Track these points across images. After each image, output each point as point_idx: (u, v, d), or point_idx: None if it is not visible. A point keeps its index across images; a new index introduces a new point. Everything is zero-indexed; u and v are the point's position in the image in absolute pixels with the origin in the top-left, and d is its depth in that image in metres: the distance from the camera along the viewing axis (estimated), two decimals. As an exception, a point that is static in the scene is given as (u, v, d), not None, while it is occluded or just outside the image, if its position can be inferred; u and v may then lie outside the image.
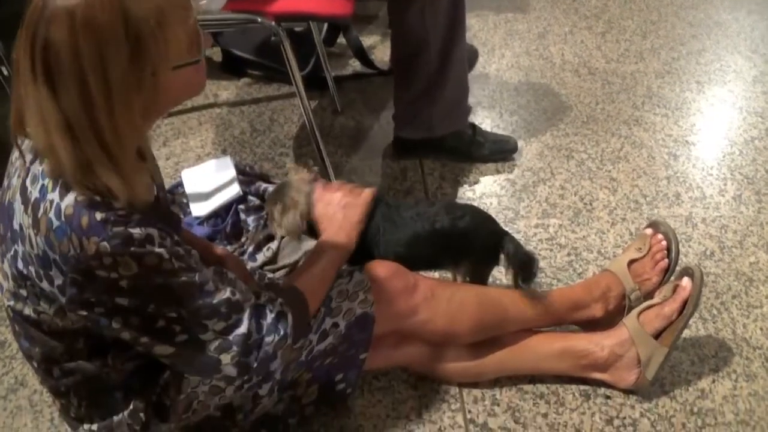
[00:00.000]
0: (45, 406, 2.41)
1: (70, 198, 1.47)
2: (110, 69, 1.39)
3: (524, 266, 2.37)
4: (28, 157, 1.57)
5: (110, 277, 1.49)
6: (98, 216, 1.46)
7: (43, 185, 1.51)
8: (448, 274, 2.61)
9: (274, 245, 2.44)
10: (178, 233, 1.83)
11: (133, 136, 1.50)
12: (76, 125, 1.42)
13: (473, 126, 3.41)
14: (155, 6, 1.43)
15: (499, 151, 3.44)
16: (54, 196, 1.49)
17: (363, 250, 2.23)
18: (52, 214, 1.47)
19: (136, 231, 1.48)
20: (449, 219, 2.32)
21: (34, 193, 1.52)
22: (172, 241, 1.57)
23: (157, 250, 1.52)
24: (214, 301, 1.64)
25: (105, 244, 1.45)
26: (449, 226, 2.31)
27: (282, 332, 1.75)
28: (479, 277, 2.44)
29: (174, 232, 1.63)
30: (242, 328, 1.69)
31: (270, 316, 1.74)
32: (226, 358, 1.69)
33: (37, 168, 1.54)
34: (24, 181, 1.56)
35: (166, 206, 1.98)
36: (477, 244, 2.35)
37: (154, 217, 1.58)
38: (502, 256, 2.37)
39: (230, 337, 1.68)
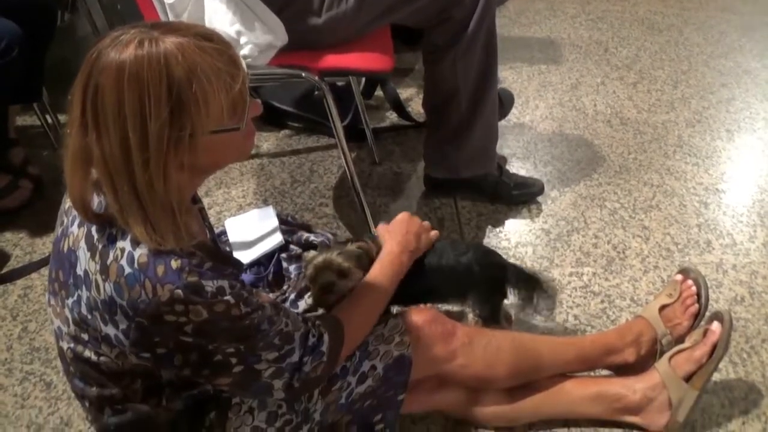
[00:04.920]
0: (92, 448, 2.48)
1: (144, 247, 1.54)
2: (149, 123, 1.45)
3: (531, 282, 2.47)
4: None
5: (178, 321, 1.54)
6: (173, 264, 1.52)
7: (111, 233, 1.58)
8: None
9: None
10: (240, 275, 1.91)
11: (167, 191, 1.54)
12: (114, 171, 1.49)
13: (500, 168, 3.49)
14: (199, 70, 1.49)
15: (526, 194, 3.53)
16: (125, 244, 1.55)
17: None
18: (123, 261, 1.54)
19: (209, 284, 1.55)
20: (453, 255, 2.41)
21: (102, 241, 1.58)
22: (239, 285, 1.63)
23: (226, 298, 1.58)
24: (270, 335, 1.70)
25: (179, 291, 1.51)
26: (453, 262, 2.40)
27: (317, 352, 1.82)
28: (489, 311, 2.49)
29: (239, 274, 1.71)
30: (294, 357, 1.77)
31: (312, 340, 1.81)
32: (278, 384, 1.77)
33: None
34: (89, 230, 1.62)
35: (225, 250, 2.03)
36: (480, 278, 2.41)
37: (220, 261, 1.66)
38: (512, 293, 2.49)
39: (283, 365, 1.75)
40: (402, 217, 2.43)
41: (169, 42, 1.48)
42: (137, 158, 1.47)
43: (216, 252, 1.89)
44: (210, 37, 1.57)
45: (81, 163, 1.54)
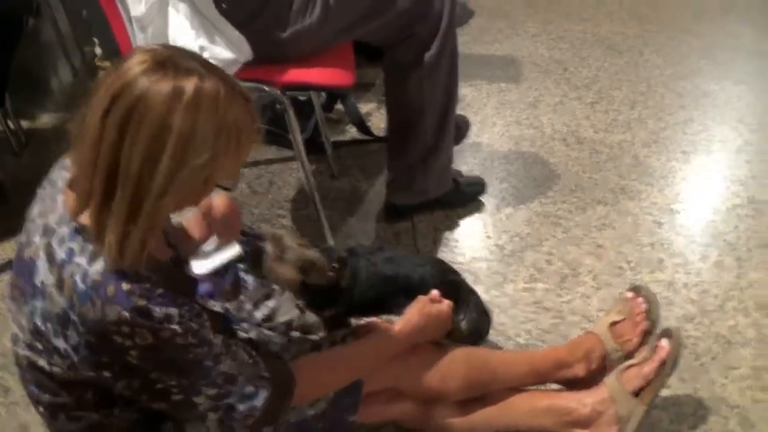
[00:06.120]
0: (49, 454, 2.48)
1: (99, 265, 1.54)
2: (188, 157, 1.47)
3: (483, 320, 2.51)
4: (53, 218, 1.65)
5: (124, 344, 1.54)
6: (124, 287, 1.52)
7: (70, 248, 1.58)
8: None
9: (271, 303, 2.47)
10: (194, 296, 1.92)
11: (163, 216, 1.56)
12: (122, 178, 1.47)
13: (454, 179, 3.55)
14: (243, 123, 1.54)
15: (476, 193, 3.67)
16: (82, 260, 1.55)
17: (343, 298, 2.32)
18: (78, 277, 1.54)
19: (156, 309, 1.54)
20: (411, 265, 2.43)
21: (61, 254, 1.58)
22: (189, 316, 1.62)
23: (173, 326, 1.58)
24: (213, 374, 1.70)
25: (125, 313, 1.51)
26: (409, 272, 2.41)
27: (251, 406, 1.79)
28: None
29: (191, 301, 1.70)
30: (232, 399, 1.76)
31: (249, 389, 1.79)
32: (212, 416, 1.77)
33: (65, 230, 1.61)
34: (50, 241, 1.62)
35: (183, 267, 2.03)
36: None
37: (173, 284, 1.65)
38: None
39: (220, 403, 1.74)
40: (438, 308, 2.35)
41: (227, 88, 1.52)
42: (161, 181, 1.48)
43: (173, 274, 1.88)
44: (249, 97, 1.60)
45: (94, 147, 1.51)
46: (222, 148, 1.51)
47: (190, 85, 1.46)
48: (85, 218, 1.57)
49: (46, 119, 4.47)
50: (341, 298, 2.32)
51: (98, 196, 1.51)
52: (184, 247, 2.17)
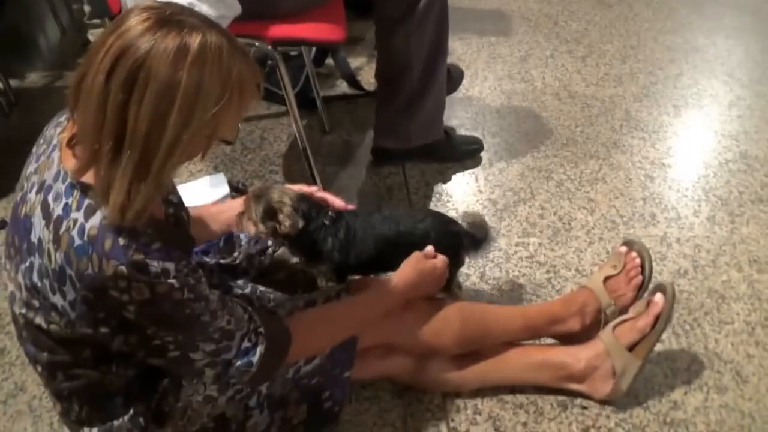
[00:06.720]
0: (44, 411, 2.46)
1: (96, 220, 1.52)
2: (196, 113, 1.46)
3: (477, 234, 2.50)
4: (48, 174, 1.63)
5: (121, 299, 1.54)
6: (121, 241, 1.51)
7: (67, 203, 1.56)
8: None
9: (265, 260, 2.50)
10: (191, 255, 1.91)
11: (170, 175, 1.56)
12: (129, 138, 1.46)
13: (446, 132, 3.56)
14: (241, 81, 1.52)
15: (470, 152, 3.64)
16: (78, 215, 1.54)
17: (341, 258, 2.31)
18: (74, 232, 1.52)
19: (153, 264, 1.54)
20: (411, 221, 2.40)
21: (57, 210, 1.57)
22: (186, 271, 1.62)
23: (170, 281, 1.57)
24: (210, 329, 1.70)
25: (123, 268, 1.50)
26: (410, 228, 2.38)
27: (247, 361, 1.80)
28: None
29: (188, 256, 1.69)
30: (230, 354, 1.76)
31: (245, 344, 1.80)
32: (209, 372, 1.77)
33: (60, 186, 1.59)
34: (45, 198, 1.60)
35: (182, 226, 2.01)
36: (436, 245, 2.39)
37: (170, 241, 1.63)
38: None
39: (218, 359, 1.75)
40: (433, 263, 2.34)
41: (229, 43, 1.51)
42: (170, 138, 1.47)
43: (171, 232, 1.88)
44: (247, 51, 1.59)
45: (100, 109, 1.48)
46: (226, 102, 1.49)
47: (194, 41, 1.45)
48: (87, 177, 1.56)
49: (34, 78, 4.43)
50: (324, 256, 2.31)
51: (105, 158, 1.49)
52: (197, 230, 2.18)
